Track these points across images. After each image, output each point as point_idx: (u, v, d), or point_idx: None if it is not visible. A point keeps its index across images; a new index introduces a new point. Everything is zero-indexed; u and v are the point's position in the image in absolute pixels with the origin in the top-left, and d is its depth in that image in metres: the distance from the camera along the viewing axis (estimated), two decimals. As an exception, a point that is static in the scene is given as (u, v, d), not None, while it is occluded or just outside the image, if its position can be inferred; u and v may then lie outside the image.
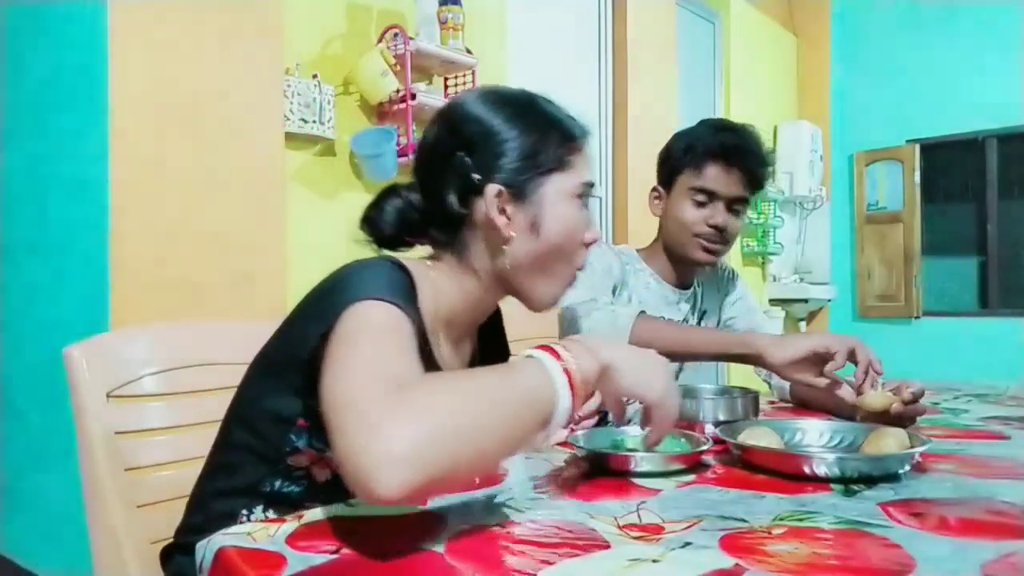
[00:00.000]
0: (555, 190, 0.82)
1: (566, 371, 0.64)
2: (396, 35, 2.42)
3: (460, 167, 0.81)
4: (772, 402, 1.39)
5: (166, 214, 1.89)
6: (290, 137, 2.20)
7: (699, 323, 1.48)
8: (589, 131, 0.89)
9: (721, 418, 0.99)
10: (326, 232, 2.27)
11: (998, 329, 4.84)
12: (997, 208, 5.04)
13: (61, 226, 2.05)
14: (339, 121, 2.34)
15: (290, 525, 0.61)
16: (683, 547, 0.55)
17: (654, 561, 0.52)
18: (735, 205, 1.35)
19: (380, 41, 2.45)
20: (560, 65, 3.49)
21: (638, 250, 1.49)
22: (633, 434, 0.94)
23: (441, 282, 0.84)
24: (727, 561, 0.52)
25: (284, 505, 0.79)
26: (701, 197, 1.34)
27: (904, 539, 0.56)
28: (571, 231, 0.83)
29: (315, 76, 2.28)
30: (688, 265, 1.42)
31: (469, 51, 2.60)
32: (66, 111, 2.01)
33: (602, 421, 1.16)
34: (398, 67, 2.41)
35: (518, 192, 0.81)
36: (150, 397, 0.99)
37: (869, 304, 5.29)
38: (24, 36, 2.23)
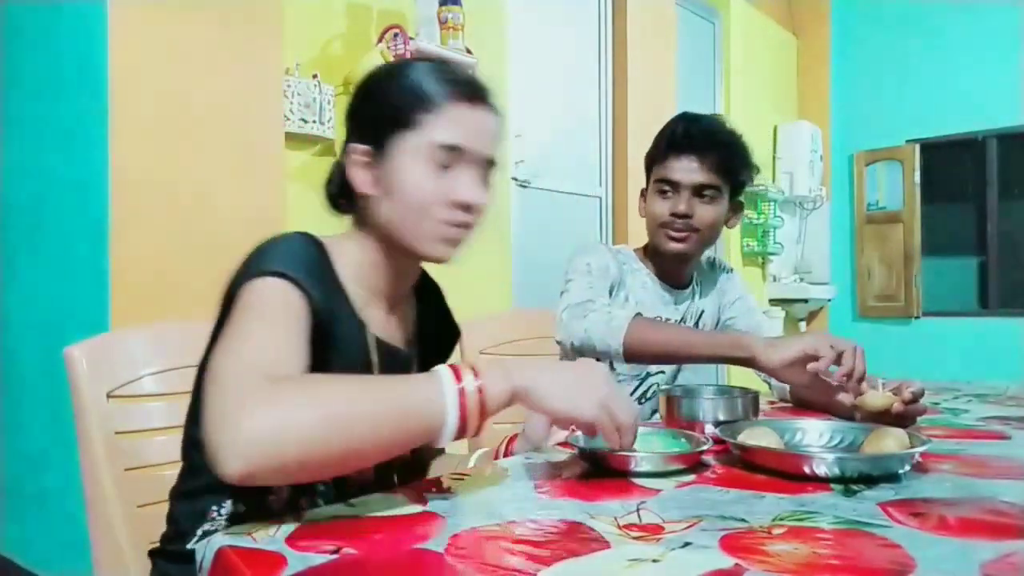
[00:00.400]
0: (404, 149, 0.82)
1: (461, 391, 0.65)
2: (396, 35, 2.42)
3: (347, 130, 0.87)
4: (772, 402, 1.39)
5: (166, 214, 1.89)
6: (290, 137, 2.20)
7: (697, 323, 1.48)
8: (468, 93, 0.84)
9: (721, 418, 0.99)
10: (326, 232, 2.26)
11: (998, 329, 4.84)
12: (997, 208, 5.04)
13: (61, 226, 2.05)
14: (339, 121, 2.34)
15: (290, 525, 0.61)
16: (683, 547, 0.55)
17: (654, 561, 0.52)
18: (704, 192, 1.34)
19: (380, 41, 2.45)
20: (560, 65, 3.49)
21: (636, 249, 1.49)
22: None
23: (353, 250, 0.87)
24: (727, 561, 0.52)
25: (252, 494, 0.81)
26: (665, 187, 1.36)
27: (904, 539, 0.56)
28: (418, 188, 0.82)
29: (315, 76, 2.28)
30: (666, 260, 1.42)
31: (469, 51, 2.60)
32: (66, 111, 2.01)
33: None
34: (398, 67, 2.40)
35: (377, 152, 0.83)
36: (150, 397, 0.99)
37: (869, 304, 5.29)
38: (24, 36, 2.23)
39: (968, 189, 5.16)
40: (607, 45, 3.73)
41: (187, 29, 1.94)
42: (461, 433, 0.67)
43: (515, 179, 3.14)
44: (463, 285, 2.77)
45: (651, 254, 1.45)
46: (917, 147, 5.12)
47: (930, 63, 5.05)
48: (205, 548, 0.59)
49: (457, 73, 0.87)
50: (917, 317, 5.11)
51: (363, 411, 0.63)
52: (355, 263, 0.86)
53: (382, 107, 0.85)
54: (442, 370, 0.67)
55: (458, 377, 0.67)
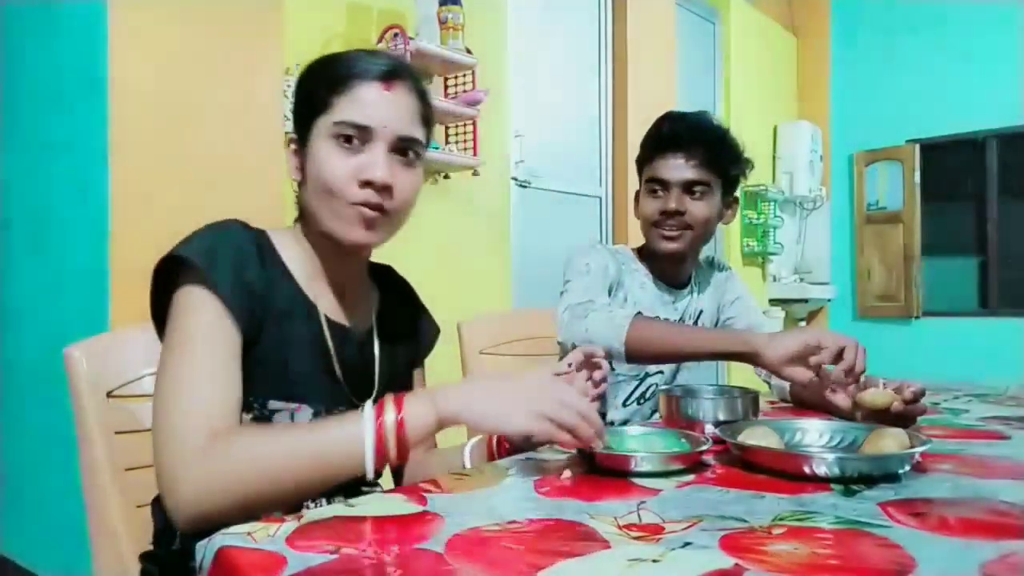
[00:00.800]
0: (317, 133, 0.84)
1: (379, 426, 0.71)
2: (396, 35, 2.42)
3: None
4: (772, 402, 1.39)
5: (166, 214, 1.89)
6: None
7: (696, 322, 1.48)
8: (370, 73, 0.84)
9: (721, 418, 0.99)
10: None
11: (998, 329, 4.84)
12: (997, 208, 5.04)
13: (61, 226, 2.05)
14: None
15: (290, 525, 0.61)
16: (683, 547, 0.55)
17: (654, 561, 0.52)
18: (694, 188, 1.34)
19: (380, 41, 2.45)
20: (560, 65, 3.49)
21: (634, 249, 1.49)
22: (633, 434, 0.94)
23: (293, 239, 0.90)
24: (727, 561, 0.52)
25: None
26: (655, 187, 1.36)
27: (904, 539, 0.56)
28: (325, 168, 0.82)
29: (315, 76, 2.27)
30: (662, 259, 1.41)
31: (469, 51, 2.60)
32: (66, 111, 2.01)
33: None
34: (398, 67, 2.41)
35: (302, 140, 0.86)
36: (150, 397, 0.99)
37: (869, 304, 5.29)
38: (24, 36, 2.23)
39: (968, 189, 5.16)
40: (607, 45, 3.73)
41: (187, 30, 1.94)
42: (382, 464, 0.72)
43: (515, 179, 3.14)
44: (463, 285, 2.78)
45: (647, 254, 1.45)
46: (917, 147, 5.12)
47: (930, 63, 5.05)
48: (205, 548, 0.59)
49: (373, 57, 0.86)
50: (917, 317, 5.11)
51: (287, 462, 0.71)
52: (296, 251, 0.89)
53: (304, 95, 0.87)
54: (366, 408, 0.73)
55: (379, 412, 0.72)
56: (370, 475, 0.72)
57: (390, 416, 0.72)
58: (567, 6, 3.55)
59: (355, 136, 0.83)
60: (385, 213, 0.84)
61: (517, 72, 3.12)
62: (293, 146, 0.88)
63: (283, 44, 2.16)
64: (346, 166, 0.82)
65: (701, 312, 1.49)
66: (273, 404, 0.83)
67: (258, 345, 0.81)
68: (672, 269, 1.44)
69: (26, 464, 2.27)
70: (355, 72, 0.84)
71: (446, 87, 2.73)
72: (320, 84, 0.85)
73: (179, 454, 0.70)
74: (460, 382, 0.82)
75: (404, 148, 0.85)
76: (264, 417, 0.83)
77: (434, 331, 1.09)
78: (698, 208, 1.35)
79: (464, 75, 2.69)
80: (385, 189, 0.83)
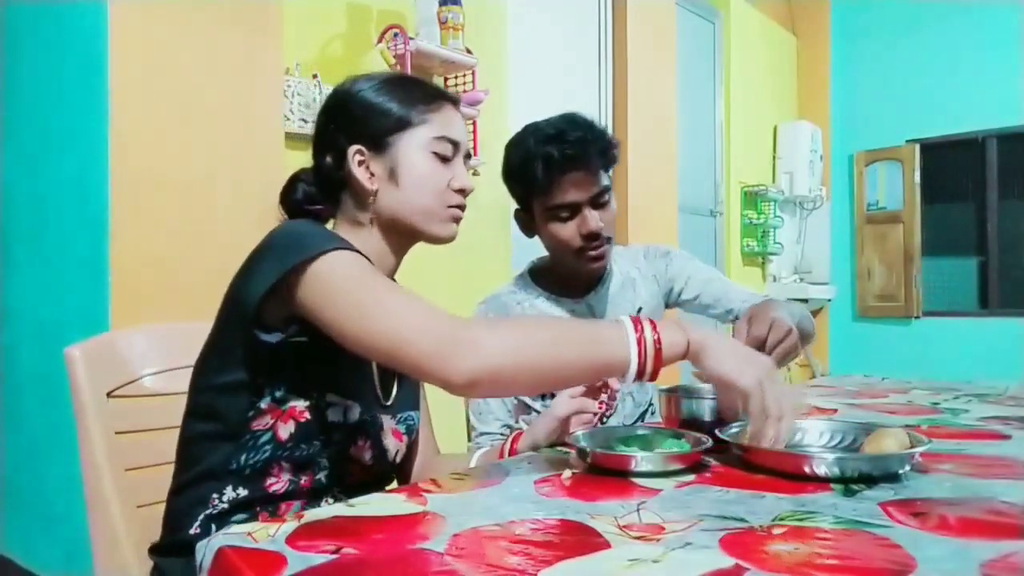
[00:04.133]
0: (408, 144, 0.92)
1: (639, 340, 0.77)
2: (396, 35, 2.42)
3: (330, 138, 0.93)
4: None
5: (166, 214, 1.89)
6: (290, 137, 2.20)
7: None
8: (451, 98, 0.97)
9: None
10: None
11: (998, 329, 4.84)
12: (997, 208, 5.04)
13: (61, 226, 2.05)
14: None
15: (290, 525, 0.61)
16: (683, 547, 0.55)
17: (654, 561, 0.52)
18: (601, 199, 1.27)
19: (380, 41, 2.45)
20: (560, 65, 3.49)
21: (533, 269, 1.42)
22: (633, 434, 0.94)
23: (353, 240, 0.91)
24: (727, 561, 0.52)
25: (251, 480, 0.84)
26: (564, 213, 1.26)
27: (904, 539, 0.56)
28: (426, 177, 0.92)
29: (315, 76, 2.28)
30: (584, 279, 1.36)
31: (469, 51, 2.60)
32: (66, 111, 2.01)
33: (600, 420, 1.16)
34: (398, 67, 2.41)
35: (377, 149, 0.92)
36: (150, 397, 0.99)
37: (869, 304, 5.29)
38: (24, 36, 2.23)
39: (968, 189, 5.16)
40: (607, 45, 3.73)
41: (187, 29, 1.94)
42: (639, 376, 0.78)
43: (515, 179, 3.14)
44: (463, 283, 2.78)
45: (553, 266, 1.38)
46: (917, 147, 5.12)
47: (930, 63, 5.05)
48: (205, 548, 0.59)
49: (432, 83, 1.01)
50: (917, 317, 5.10)
51: (567, 344, 0.77)
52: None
53: (381, 110, 0.93)
54: (626, 320, 0.79)
55: (638, 328, 0.78)
56: (630, 380, 0.78)
57: (649, 333, 0.78)
58: (567, 6, 3.55)
59: (450, 154, 0.94)
60: (463, 211, 0.97)
61: (517, 72, 3.12)
62: (360, 157, 0.92)
63: (283, 44, 2.16)
64: (444, 176, 0.94)
65: (640, 309, 1.41)
66: (330, 398, 0.87)
67: (317, 342, 0.82)
68: (580, 282, 1.37)
69: (26, 464, 2.27)
70: (436, 93, 0.97)
71: (446, 87, 2.73)
72: (408, 100, 0.93)
73: (448, 328, 0.74)
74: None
75: (467, 161, 1.00)
76: (320, 409, 0.86)
77: None
78: (609, 215, 1.29)
79: (464, 75, 2.69)
80: (469, 193, 0.96)
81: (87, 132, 1.89)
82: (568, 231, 1.28)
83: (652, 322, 0.79)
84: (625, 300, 1.42)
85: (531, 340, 0.75)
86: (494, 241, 2.99)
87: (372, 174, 0.92)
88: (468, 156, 0.98)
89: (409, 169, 0.91)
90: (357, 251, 0.82)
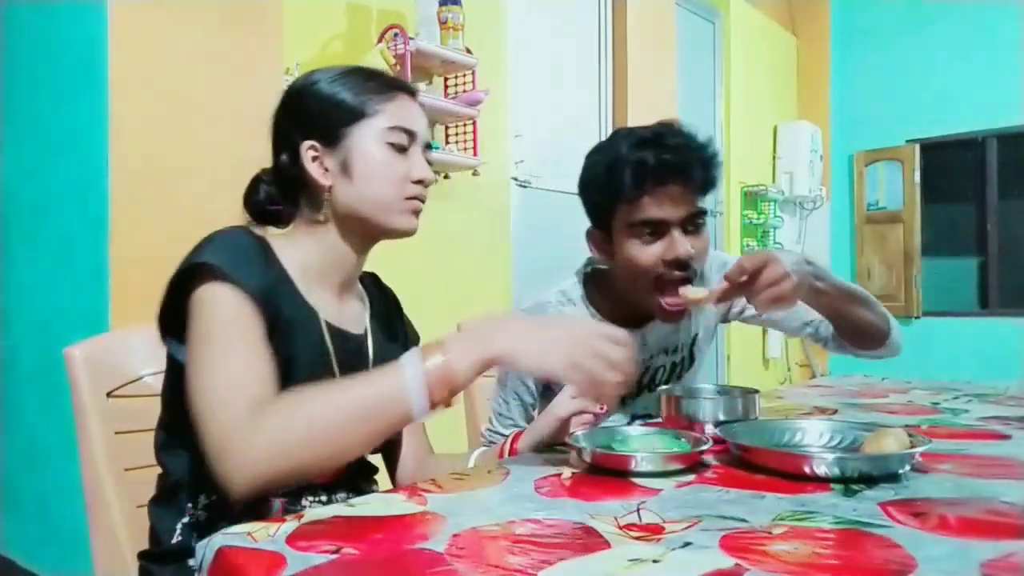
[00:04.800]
0: (362, 135, 0.89)
1: (425, 372, 0.72)
2: (396, 35, 2.42)
3: (285, 134, 0.92)
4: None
5: (166, 214, 1.89)
6: (290, 137, 2.20)
7: (691, 348, 1.28)
8: (408, 88, 0.94)
9: (721, 418, 0.98)
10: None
11: (998, 329, 4.84)
12: (997, 208, 5.05)
13: (61, 226, 2.05)
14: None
15: (290, 525, 0.61)
16: (683, 547, 0.55)
17: (654, 561, 0.52)
18: (694, 221, 1.11)
19: (380, 41, 2.45)
20: (560, 65, 3.49)
21: (591, 276, 1.25)
22: (633, 434, 0.94)
23: (301, 241, 0.91)
24: (727, 561, 0.52)
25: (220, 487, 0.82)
26: (646, 230, 1.09)
27: (904, 539, 0.56)
28: (380, 168, 0.89)
29: (315, 76, 2.27)
30: (657, 316, 1.17)
31: (469, 51, 2.60)
32: (66, 111, 2.01)
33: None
34: (398, 67, 2.41)
35: (330, 143, 0.89)
36: (150, 397, 0.99)
37: (869, 304, 5.28)
38: (24, 36, 2.23)
39: (968, 189, 5.16)
40: (607, 45, 3.73)
41: (187, 29, 1.94)
42: (433, 408, 0.73)
43: (515, 179, 3.14)
44: (463, 285, 2.78)
45: (615, 288, 1.20)
46: (917, 147, 5.12)
47: (930, 63, 5.05)
48: (205, 548, 0.59)
49: (391, 74, 0.97)
50: (917, 317, 5.11)
51: (337, 419, 0.71)
52: (302, 255, 0.90)
53: (333, 103, 0.90)
54: (406, 357, 0.74)
55: (424, 358, 0.73)
56: (423, 417, 0.74)
57: (434, 361, 0.73)
58: (567, 6, 3.55)
59: (406, 143, 0.91)
60: (423, 202, 0.94)
61: (517, 72, 3.12)
62: (314, 152, 0.89)
63: (283, 44, 2.16)
64: (400, 166, 0.90)
65: (696, 336, 1.29)
66: None
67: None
68: (641, 312, 1.20)
69: (26, 464, 2.27)
70: (393, 83, 0.93)
71: (446, 87, 2.73)
72: (360, 91, 0.90)
73: (229, 423, 0.70)
74: (501, 317, 0.83)
75: (426, 151, 0.95)
76: None
77: (415, 340, 1.09)
78: (701, 243, 1.12)
79: (464, 75, 2.69)
80: (428, 184, 0.92)
81: (87, 132, 1.89)
82: (650, 255, 1.09)
83: (440, 344, 0.75)
84: (682, 331, 1.27)
85: (305, 428, 0.69)
86: (494, 241, 2.99)
87: (326, 169, 0.89)
88: (428, 147, 0.95)
89: (362, 161, 0.88)
90: (238, 279, 0.78)
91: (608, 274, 1.22)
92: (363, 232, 0.92)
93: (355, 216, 0.90)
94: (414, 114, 0.92)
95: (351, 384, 0.75)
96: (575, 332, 0.78)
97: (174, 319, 0.81)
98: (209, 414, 0.72)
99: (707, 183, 1.11)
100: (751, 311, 1.31)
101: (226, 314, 0.77)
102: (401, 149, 0.90)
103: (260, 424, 0.70)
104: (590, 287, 1.24)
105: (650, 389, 1.30)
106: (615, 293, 1.20)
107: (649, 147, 1.08)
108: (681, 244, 1.09)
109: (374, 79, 0.92)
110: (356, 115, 0.89)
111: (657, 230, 1.09)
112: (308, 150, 0.89)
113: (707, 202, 1.14)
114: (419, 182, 0.91)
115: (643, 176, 1.07)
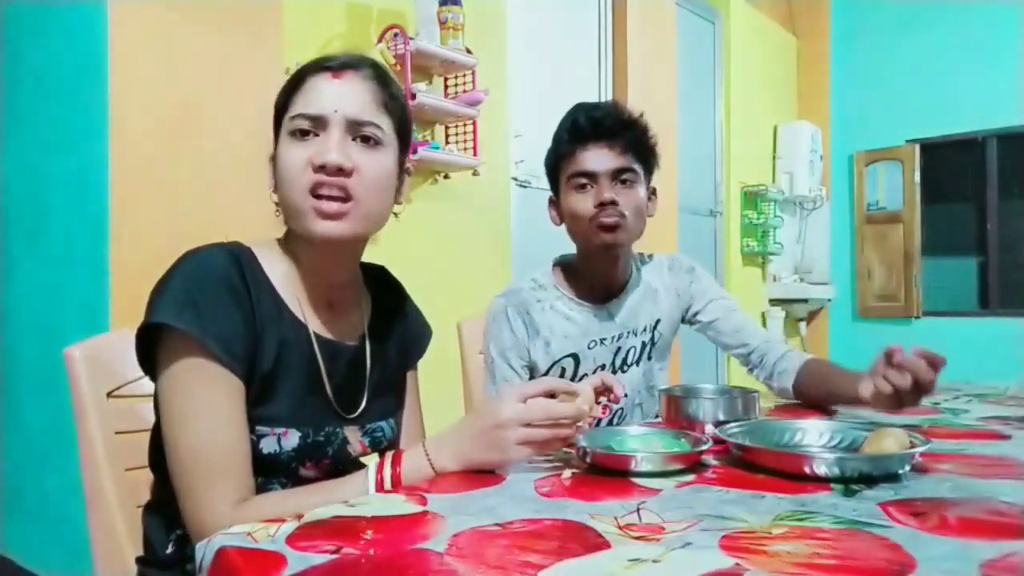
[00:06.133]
0: (280, 135, 0.85)
1: (379, 482, 0.77)
2: (396, 35, 2.42)
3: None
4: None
5: (166, 214, 1.89)
6: (290, 137, 2.20)
7: (652, 330, 1.39)
8: (324, 67, 0.84)
9: (721, 418, 0.99)
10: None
11: (998, 329, 4.84)
12: (997, 208, 5.05)
13: (61, 226, 2.05)
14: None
15: (290, 525, 0.61)
16: (683, 547, 0.55)
17: (654, 561, 0.52)
18: (623, 177, 1.27)
19: (380, 41, 2.45)
20: (560, 65, 3.49)
21: (554, 267, 1.42)
22: (633, 434, 0.94)
23: (276, 255, 0.89)
24: (727, 561, 0.52)
25: None
26: (582, 180, 1.28)
27: (904, 539, 0.56)
28: (282, 167, 0.82)
29: (315, 76, 2.27)
30: (600, 259, 1.32)
31: (469, 51, 2.60)
32: (66, 111, 2.01)
33: (598, 423, 1.16)
34: (398, 67, 2.41)
35: (275, 148, 0.86)
36: (150, 397, 0.99)
37: (869, 304, 5.29)
38: (24, 36, 2.23)
39: (968, 189, 5.16)
40: (607, 45, 3.73)
41: (187, 29, 1.94)
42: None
43: (515, 179, 3.14)
44: (463, 285, 2.78)
45: (578, 264, 1.38)
46: (917, 147, 5.12)
47: (930, 63, 5.05)
48: (205, 548, 0.59)
49: (333, 56, 0.86)
50: (917, 317, 5.11)
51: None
52: (283, 268, 0.88)
53: (275, 109, 0.87)
54: (369, 472, 0.79)
55: (380, 470, 0.78)
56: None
57: (387, 475, 0.78)
58: (567, 6, 3.55)
59: (310, 128, 0.81)
60: (349, 200, 0.81)
61: (517, 72, 3.12)
62: (271, 164, 0.87)
63: (283, 44, 2.16)
64: (300, 156, 0.80)
65: (659, 321, 1.40)
66: (260, 430, 0.82)
67: (250, 372, 0.80)
68: (609, 272, 1.36)
69: (26, 464, 2.27)
70: (306, 70, 0.85)
71: (446, 87, 2.73)
72: (281, 92, 0.86)
73: (207, 519, 0.74)
74: (449, 430, 0.83)
75: (364, 134, 0.83)
76: (253, 442, 0.81)
77: (427, 334, 1.08)
78: (630, 196, 1.28)
79: (464, 75, 2.69)
80: (341, 172, 0.80)
81: (87, 132, 1.89)
82: (584, 202, 1.27)
83: (396, 458, 0.79)
84: (644, 311, 1.40)
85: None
86: (494, 241, 2.99)
87: (273, 180, 0.86)
88: (359, 125, 0.82)
89: (278, 160, 0.83)
90: (204, 342, 0.75)
91: (574, 261, 1.40)
92: (311, 244, 0.85)
93: (288, 218, 0.85)
94: (323, 94, 0.81)
95: (317, 491, 0.78)
96: (488, 425, 0.79)
97: (148, 357, 0.80)
98: (177, 475, 0.76)
99: (633, 144, 1.28)
100: (703, 317, 1.44)
101: (201, 391, 0.76)
102: (304, 135, 0.81)
103: (231, 518, 0.72)
104: (559, 273, 1.41)
105: (623, 370, 1.38)
106: (580, 275, 1.38)
107: (582, 111, 1.29)
108: (607, 189, 1.26)
109: (304, 67, 0.85)
110: (278, 116, 0.86)
111: (590, 181, 1.28)
112: (269, 162, 0.87)
113: (640, 167, 1.30)
114: (321, 168, 0.79)
115: (576, 132, 1.28)
